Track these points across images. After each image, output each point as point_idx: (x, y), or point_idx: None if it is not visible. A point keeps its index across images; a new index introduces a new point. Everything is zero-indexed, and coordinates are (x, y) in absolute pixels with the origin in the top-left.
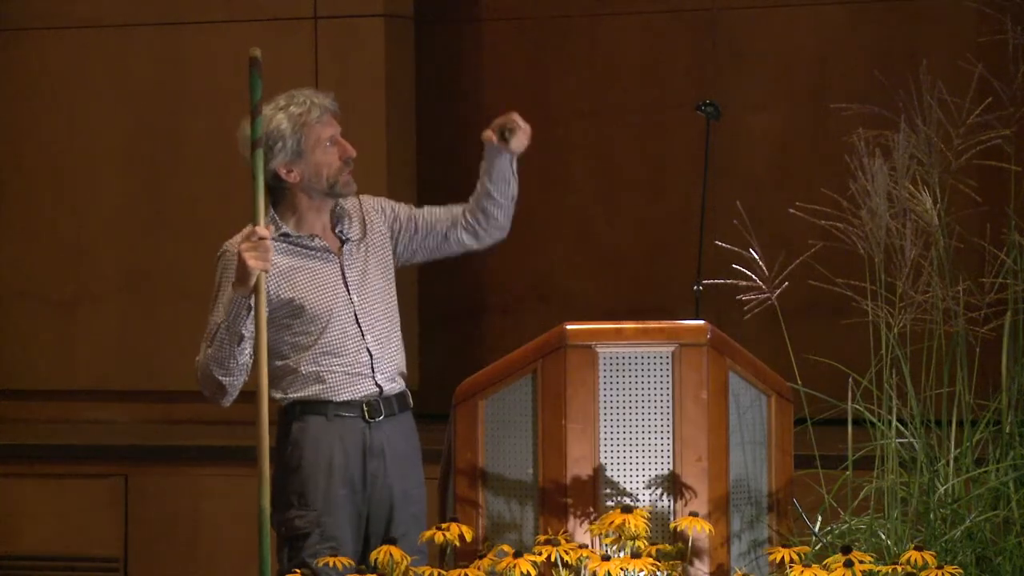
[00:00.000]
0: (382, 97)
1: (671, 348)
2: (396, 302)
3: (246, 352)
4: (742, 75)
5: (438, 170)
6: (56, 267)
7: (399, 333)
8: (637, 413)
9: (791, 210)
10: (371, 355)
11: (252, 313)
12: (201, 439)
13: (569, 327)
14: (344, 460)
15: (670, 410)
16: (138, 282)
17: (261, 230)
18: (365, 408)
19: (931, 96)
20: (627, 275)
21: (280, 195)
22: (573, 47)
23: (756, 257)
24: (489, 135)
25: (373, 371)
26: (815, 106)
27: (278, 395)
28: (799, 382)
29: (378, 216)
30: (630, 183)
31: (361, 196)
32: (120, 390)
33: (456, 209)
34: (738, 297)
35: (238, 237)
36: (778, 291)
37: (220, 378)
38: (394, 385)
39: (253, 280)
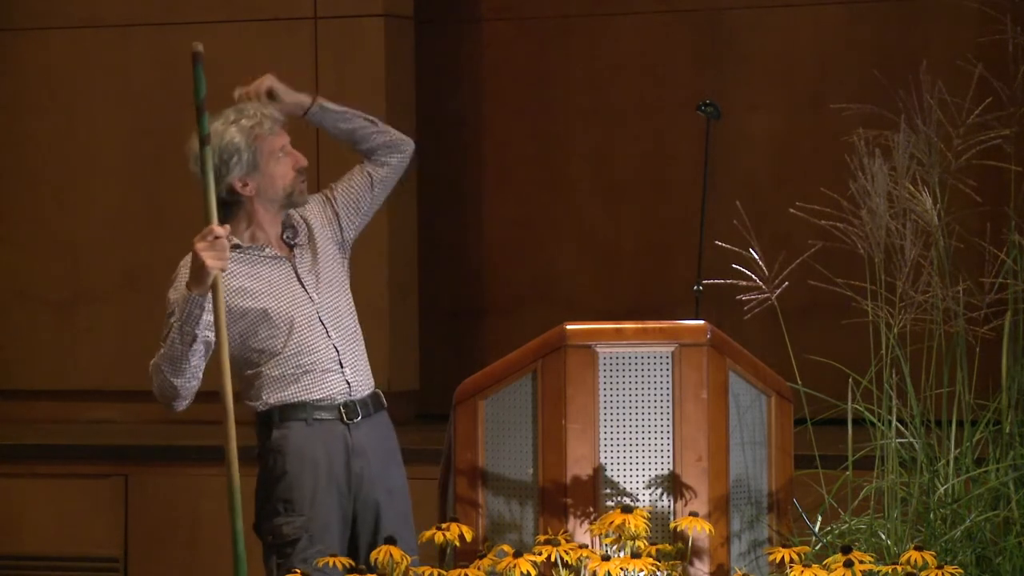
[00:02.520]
0: (382, 97)
1: (671, 348)
2: (352, 299)
3: (199, 353)
4: (742, 75)
5: (438, 170)
6: (56, 267)
7: (360, 329)
8: (637, 413)
9: (791, 210)
10: (337, 351)
11: (205, 313)
12: (201, 439)
13: (569, 327)
14: (328, 463)
15: (670, 410)
16: (138, 282)
17: (217, 229)
18: (342, 410)
19: (931, 96)
20: (627, 275)
21: (235, 208)
22: (573, 47)
23: (756, 257)
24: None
25: (342, 366)
26: (815, 106)
27: (255, 403)
28: (799, 382)
29: (317, 215)
30: (630, 183)
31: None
32: (120, 390)
33: (357, 168)
34: (738, 297)
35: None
36: (778, 291)
37: (172, 379)
38: (363, 381)
39: (210, 280)
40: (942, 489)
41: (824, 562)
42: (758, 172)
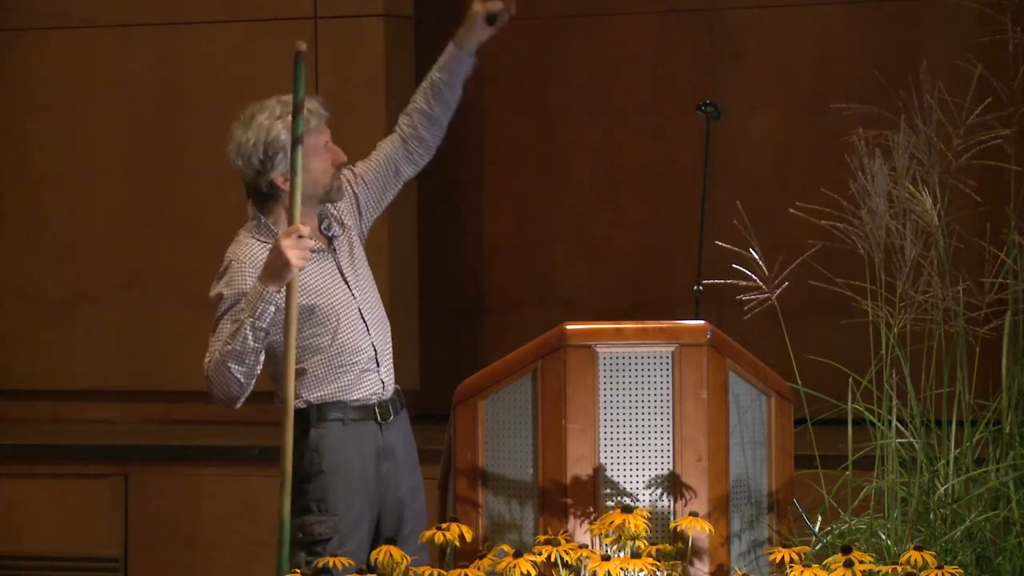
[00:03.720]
0: (382, 97)
1: (671, 348)
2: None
3: (263, 352)
4: (742, 75)
5: (438, 170)
6: (56, 267)
7: (388, 323)
8: (637, 413)
9: (791, 210)
10: (376, 349)
11: (276, 310)
12: (201, 439)
13: (569, 327)
14: (361, 465)
15: (670, 410)
16: (138, 282)
17: (303, 228)
18: (377, 410)
19: (931, 96)
20: (627, 275)
21: (273, 203)
22: (573, 47)
23: (756, 257)
24: (485, 8)
25: (378, 365)
26: (815, 106)
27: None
28: (799, 382)
29: (346, 205)
30: (630, 183)
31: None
32: (120, 390)
33: (393, 140)
34: (738, 297)
35: (235, 248)
36: (778, 291)
37: (239, 377)
38: (391, 380)
39: (289, 277)
40: (942, 489)
41: (824, 562)
42: (758, 172)
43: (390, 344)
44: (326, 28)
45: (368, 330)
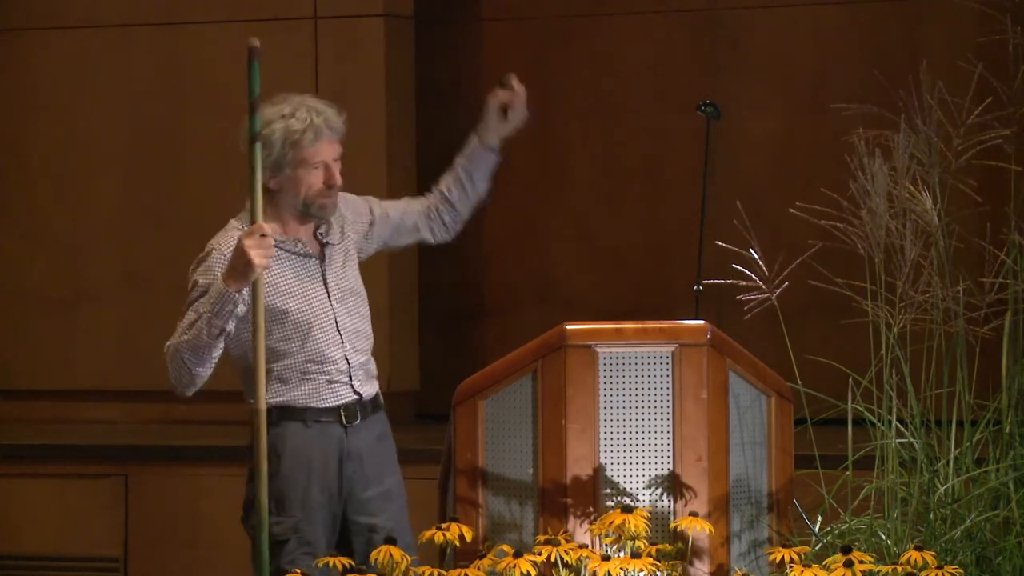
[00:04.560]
0: (382, 97)
1: (671, 348)
2: (367, 303)
3: (222, 345)
4: (742, 75)
5: (438, 170)
6: (56, 267)
7: (371, 335)
8: (637, 413)
9: (791, 210)
10: (349, 363)
11: (237, 309)
12: (201, 439)
13: (569, 327)
14: (323, 466)
15: (670, 410)
16: (138, 282)
17: (265, 227)
18: (343, 413)
19: (931, 96)
20: (627, 275)
21: (266, 199)
22: (573, 47)
23: (756, 257)
24: (498, 100)
25: (351, 378)
26: (815, 106)
27: (254, 400)
28: (799, 382)
29: (355, 217)
30: (630, 183)
31: (343, 199)
32: (120, 390)
33: (421, 203)
34: (738, 297)
35: (220, 237)
36: (778, 291)
37: (192, 367)
38: (370, 389)
39: (252, 277)
40: (942, 489)
41: (824, 562)
42: (758, 172)
43: (369, 360)
44: (326, 28)
45: (342, 342)
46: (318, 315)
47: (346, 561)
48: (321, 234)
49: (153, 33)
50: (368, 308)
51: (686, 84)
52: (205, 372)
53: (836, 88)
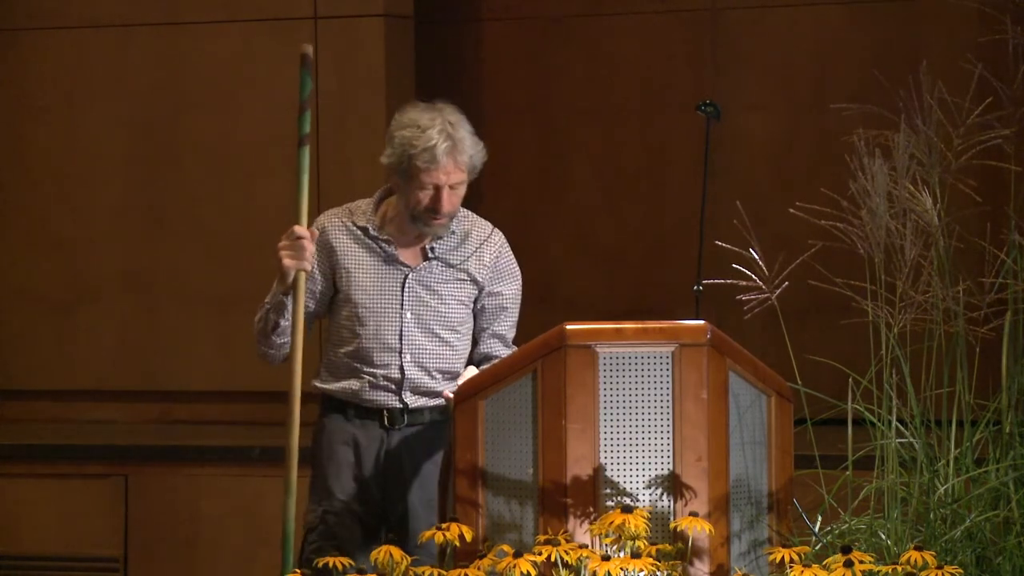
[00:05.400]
0: (382, 97)
1: (671, 348)
2: (461, 336)
3: (285, 336)
4: (742, 75)
5: None
6: (56, 267)
7: (456, 366)
8: (637, 413)
9: (791, 210)
10: (404, 374)
11: (288, 310)
12: (201, 439)
13: (569, 327)
14: (358, 461)
15: (670, 410)
16: (138, 282)
17: (300, 230)
18: (386, 415)
19: (931, 96)
20: (627, 275)
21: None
22: (573, 47)
23: (756, 257)
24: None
25: (400, 389)
26: (815, 106)
27: (315, 381)
28: (799, 382)
29: (491, 276)
30: (630, 183)
31: (502, 244)
32: (120, 390)
33: (479, 347)
34: (738, 297)
35: (327, 218)
36: (778, 291)
37: (263, 348)
38: (421, 405)
39: (290, 278)
40: (942, 489)
41: (824, 562)
42: (758, 172)
43: (433, 381)
44: (326, 28)
45: (401, 351)
46: (382, 317)
47: (346, 561)
48: (433, 248)
49: (153, 33)
50: (460, 341)
51: (686, 84)
52: (277, 354)
53: (836, 88)
